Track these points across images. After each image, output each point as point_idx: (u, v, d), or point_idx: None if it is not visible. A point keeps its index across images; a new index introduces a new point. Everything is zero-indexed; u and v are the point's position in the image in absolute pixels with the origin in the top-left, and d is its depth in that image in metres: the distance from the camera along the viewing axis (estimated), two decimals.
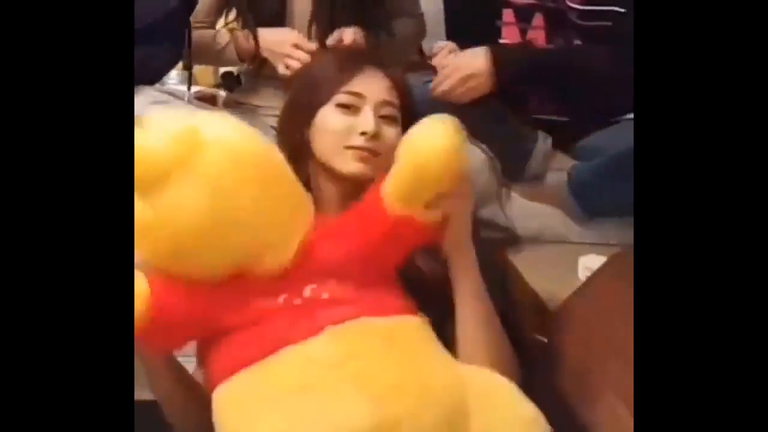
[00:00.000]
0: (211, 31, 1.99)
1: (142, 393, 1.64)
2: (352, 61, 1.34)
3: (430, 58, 1.77)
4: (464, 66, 1.72)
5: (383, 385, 1.04)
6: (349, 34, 1.80)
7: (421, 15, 2.10)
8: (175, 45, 1.85)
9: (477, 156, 1.64)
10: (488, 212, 1.66)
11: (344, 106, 1.29)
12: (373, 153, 1.27)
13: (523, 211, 1.73)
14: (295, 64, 1.80)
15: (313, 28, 1.89)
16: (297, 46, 1.82)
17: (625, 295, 1.08)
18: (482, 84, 1.72)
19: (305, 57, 1.80)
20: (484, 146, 1.69)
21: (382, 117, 1.29)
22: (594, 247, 1.63)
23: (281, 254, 1.14)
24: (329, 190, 1.31)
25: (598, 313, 1.32)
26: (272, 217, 1.14)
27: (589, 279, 1.46)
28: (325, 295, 1.14)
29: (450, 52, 1.77)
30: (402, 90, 1.33)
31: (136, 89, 1.72)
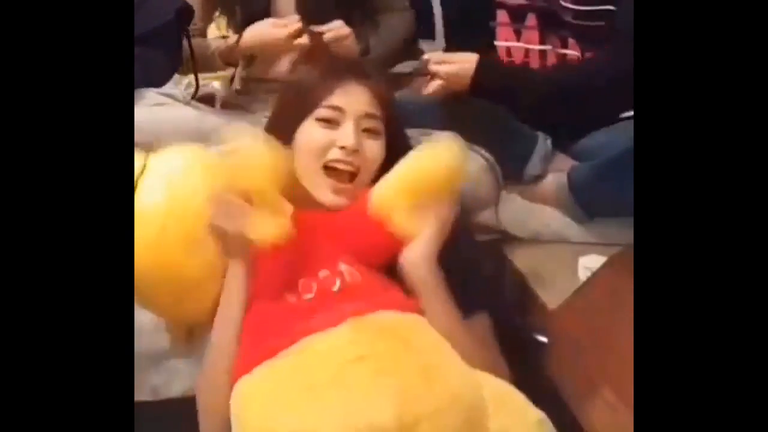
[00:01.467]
0: (202, 40, 2.00)
1: (141, 394, 1.65)
2: (333, 74, 1.31)
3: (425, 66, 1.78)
4: (456, 61, 1.76)
5: (405, 384, 1.04)
6: (336, 28, 1.81)
7: (410, 10, 2.10)
8: (169, 55, 1.86)
9: (476, 162, 1.64)
10: (484, 216, 1.66)
11: (325, 120, 1.27)
12: (352, 173, 1.26)
13: (523, 211, 1.73)
14: (285, 31, 1.81)
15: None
16: (275, 24, 1.83)
17: (624, 295, 1.09)
18: (459, 84, 1.76)
19: (293, 21, 1.81)
20: (483, 150, 1.69)
21: (365, 130, 1.28)
22: (594, 247, 1.63)
23: (273, 232, 1.17)
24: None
25: (598, 313, 1.33)
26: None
27: (589, 279, 1.46)
28: (335, 287, 1.17)
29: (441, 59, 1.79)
30: (384, 102, 1.31)
31: (136, 92, 1.72)
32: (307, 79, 1.36)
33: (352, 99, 1.28)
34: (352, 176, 1.27)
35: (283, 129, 1.30)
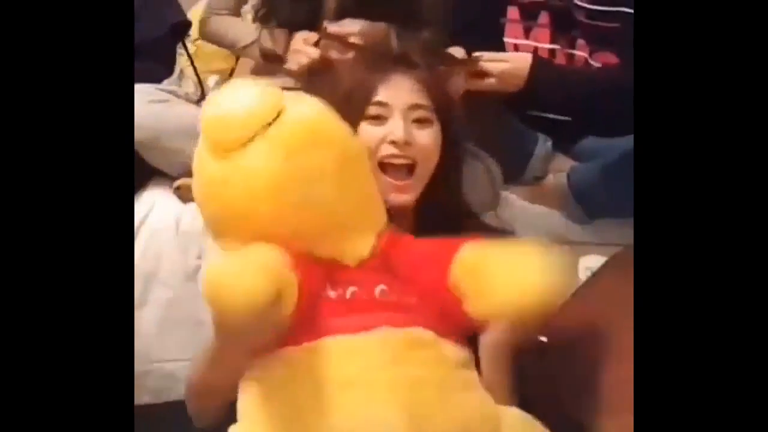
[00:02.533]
0: (236, 20, 1.97)
1: (141, 397, 1.65)
2: (376, 70, 1.31)
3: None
4: (510, 59, 1.71)
5: (422, 402, 1.04)
6: (354, 26, 1.79)
7: (441, 24, 2.09)
8: (160, 68, 1.85)
9: (475, 166, 1.64)
10: (487, 218, 1.66)
11: (373, 118, 1.26)
12: (409, 165, 1.25)
13: (524, 212, 1.73)
14: (303, 59, 1.80)
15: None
16: (306, 41, 1.81)
17: (625, 295, 1.08)
18: (513, 84, 1.69)
19: (314, 52, 1.79)
20: (482, 153, 1.68)
21: (415, 121, 1.27)
22: (594, 247, 1.63)
23: (359, 247, 1.14)
24: None
25: (598, 313, 1.32)
26: (348, 204, 1.14)
27: (589, 279, 1.46)
28: (392, 298, 1.14)
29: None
30: (434, 90, 1.30)
31: (136, 88, 1.72)
32: (353, 80, 1.34)
33: (398, 92, 1.27)
34: (410, 169, 1.26)
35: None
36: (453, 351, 1.13)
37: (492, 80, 1.68)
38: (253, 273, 0.98)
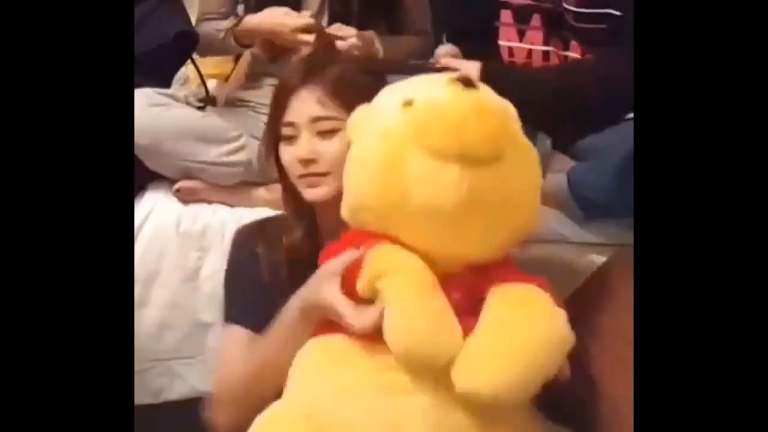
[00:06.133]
0: (215, 23, 1.97)
1: (141, 397, 1.66)
2: (286, 90, 1.31)
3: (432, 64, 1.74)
4: (461, 67, 1.68)
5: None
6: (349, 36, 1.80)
7: (430, 34, 2.09)
8: (162, 77, 1.85)
9: None
10: None
11: (286, 139, 1.30)
12: (321, 174, 1.28)
13: None
14: (294, 22, 1.81)
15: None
16: (287, 13, 1.82)
17: (624, 295, 1.09)
18: None
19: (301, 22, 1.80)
20: None
21: (320, 133, 1.28)
22: (594, 247, 1.63)
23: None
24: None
25: (599, 313, 1.33)
26: None
27: (589, 279, 1.46)
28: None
29: (452, 55, 1.76)
30: (340, 97, 1.28)
31: (135, 92, 1.72)
32: (271, 104, 1.36)
33: (302, 108, 1.29)
34: (324, 175, 1.29)
35: (269, 154, 1.34)
36: None
37: None
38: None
